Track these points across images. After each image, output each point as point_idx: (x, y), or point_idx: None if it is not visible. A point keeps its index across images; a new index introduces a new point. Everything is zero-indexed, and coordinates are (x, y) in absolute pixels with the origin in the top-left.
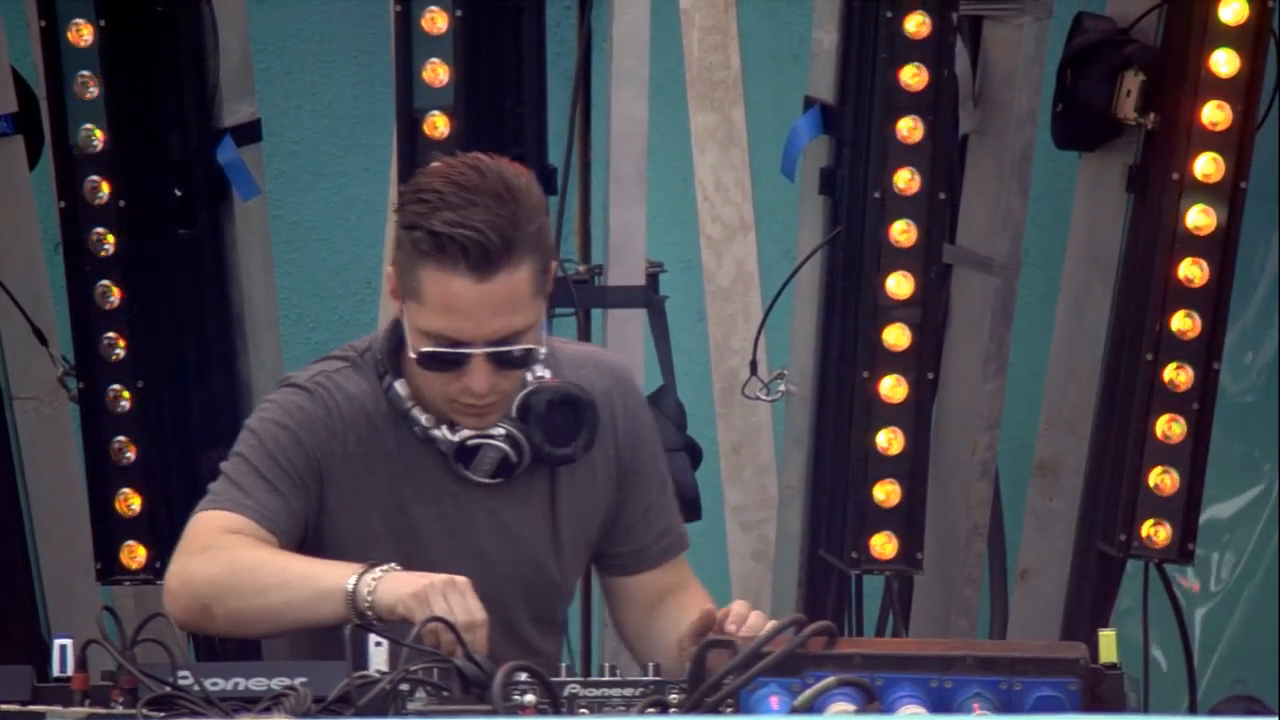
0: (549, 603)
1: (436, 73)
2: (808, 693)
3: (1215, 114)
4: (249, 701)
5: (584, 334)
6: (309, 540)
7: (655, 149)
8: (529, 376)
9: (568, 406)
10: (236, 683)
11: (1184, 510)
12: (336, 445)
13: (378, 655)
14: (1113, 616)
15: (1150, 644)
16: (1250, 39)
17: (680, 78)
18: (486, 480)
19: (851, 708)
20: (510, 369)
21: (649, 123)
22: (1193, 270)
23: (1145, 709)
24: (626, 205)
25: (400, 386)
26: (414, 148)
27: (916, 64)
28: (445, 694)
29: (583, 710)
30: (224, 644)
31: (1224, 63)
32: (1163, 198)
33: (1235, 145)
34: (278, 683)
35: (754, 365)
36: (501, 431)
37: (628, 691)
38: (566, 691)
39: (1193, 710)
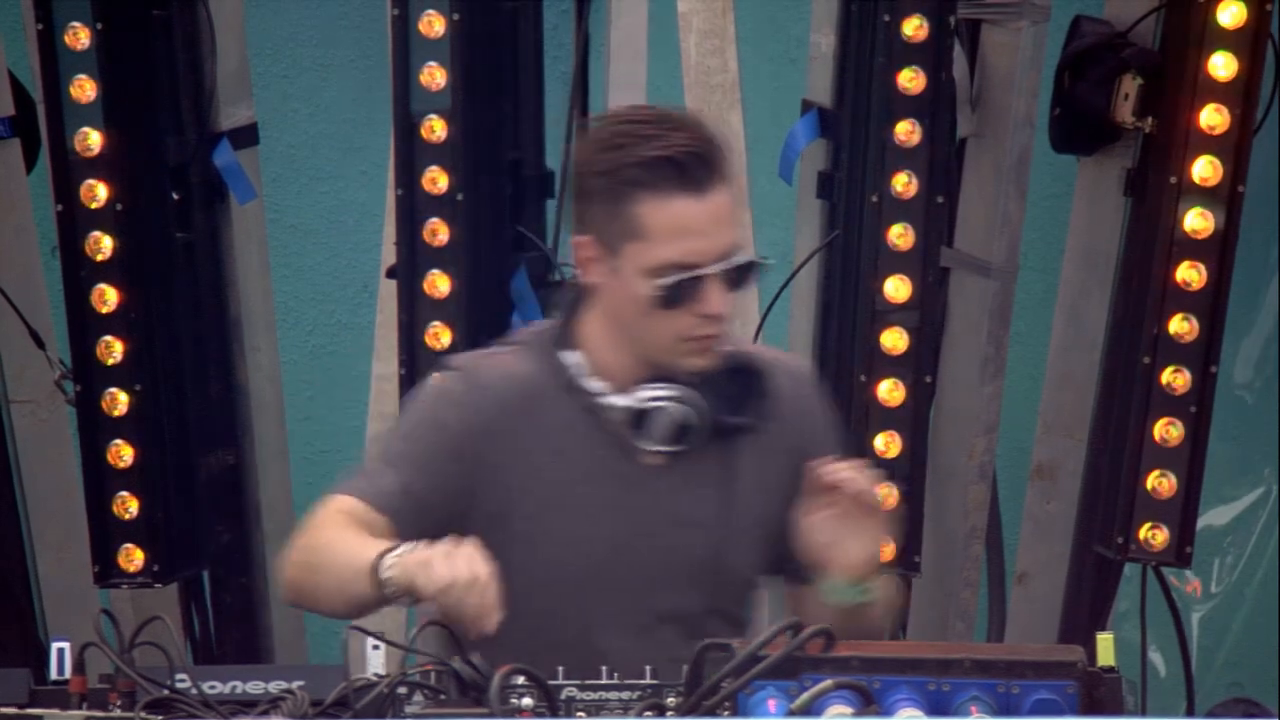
0: (724, 591)
1: (434, 76)
2: (805, 696)
3: (1213, 117)
4: (247, 705)
5: None
6: (467, 520)
7: None
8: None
9: (743, 375)
10: (234, 686)
11: (1181, 513)
12: (482, 422)
13: (375, 658)
14: (1110, 619)
15: (1148, 647)
16: (1248, 42)
17: (678, 81)
18: (663, 449)
19: (849, 710)
20: (738, 287)
21: None
22: (1190, 274)
23: (1143, 712)
24: None
25: (573, 357)
26: (411, 151)
27: (914, 67)
28: (443, 697)
29: (580, 713)
30: (223, 647)
31: (1222, 66)
32: (1160, 201)
33: (1233, 149)
34: (275, 686)
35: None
36: (671, 392)
37: (625, 694)
38: (564, 694)
39: (1190, 713)
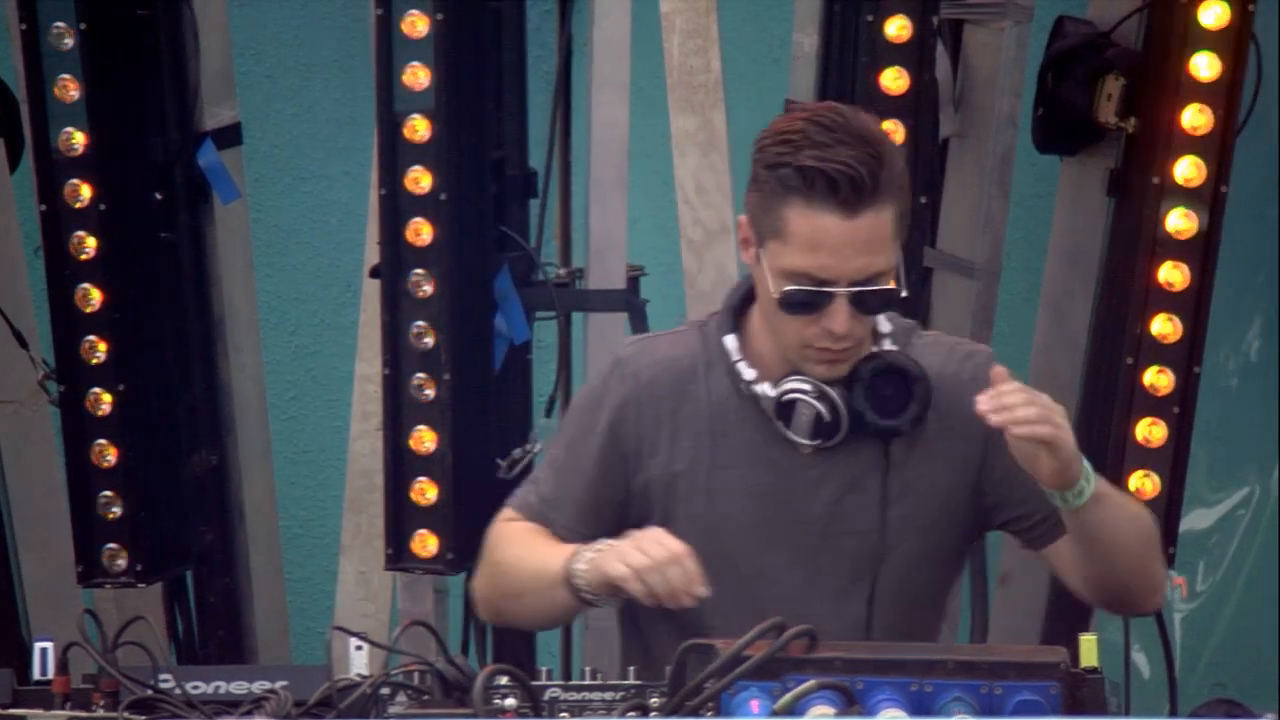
0: (887, 585)
1: (417, 76)
2: (788, 696)
3: (1196, 118)
4: (230, 705)
5: (564, 337)
6: (634, 508)
7: (636, 152)
8: (874, 347)
9: (896, 377)
10: (218, 686)
11: (1165, 514)
12: (633, 412)
13: (358, 658)
14: (1093, 620)
15: (1131, 648)
16: (1231, 42)
17: (661, 81)
18: (807, 442)
19: (832, 711)
20: (870, 311)
21: (630, 126)
22: (1173, 274)
23: (1126, 713)
24: (607, 209)
25: (730, 341)
26: (394, 151)
27: (897, 68)
28: (426, 697)
29: (563, 714)
30: (206, 647)
31: (1205, 66)
32: (1143, 201)
33: (1216, 149)
34: (259, 686)
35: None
36: (810, 387)
37: (608, 695)
38: (547, 695)
39: (1173, 714)
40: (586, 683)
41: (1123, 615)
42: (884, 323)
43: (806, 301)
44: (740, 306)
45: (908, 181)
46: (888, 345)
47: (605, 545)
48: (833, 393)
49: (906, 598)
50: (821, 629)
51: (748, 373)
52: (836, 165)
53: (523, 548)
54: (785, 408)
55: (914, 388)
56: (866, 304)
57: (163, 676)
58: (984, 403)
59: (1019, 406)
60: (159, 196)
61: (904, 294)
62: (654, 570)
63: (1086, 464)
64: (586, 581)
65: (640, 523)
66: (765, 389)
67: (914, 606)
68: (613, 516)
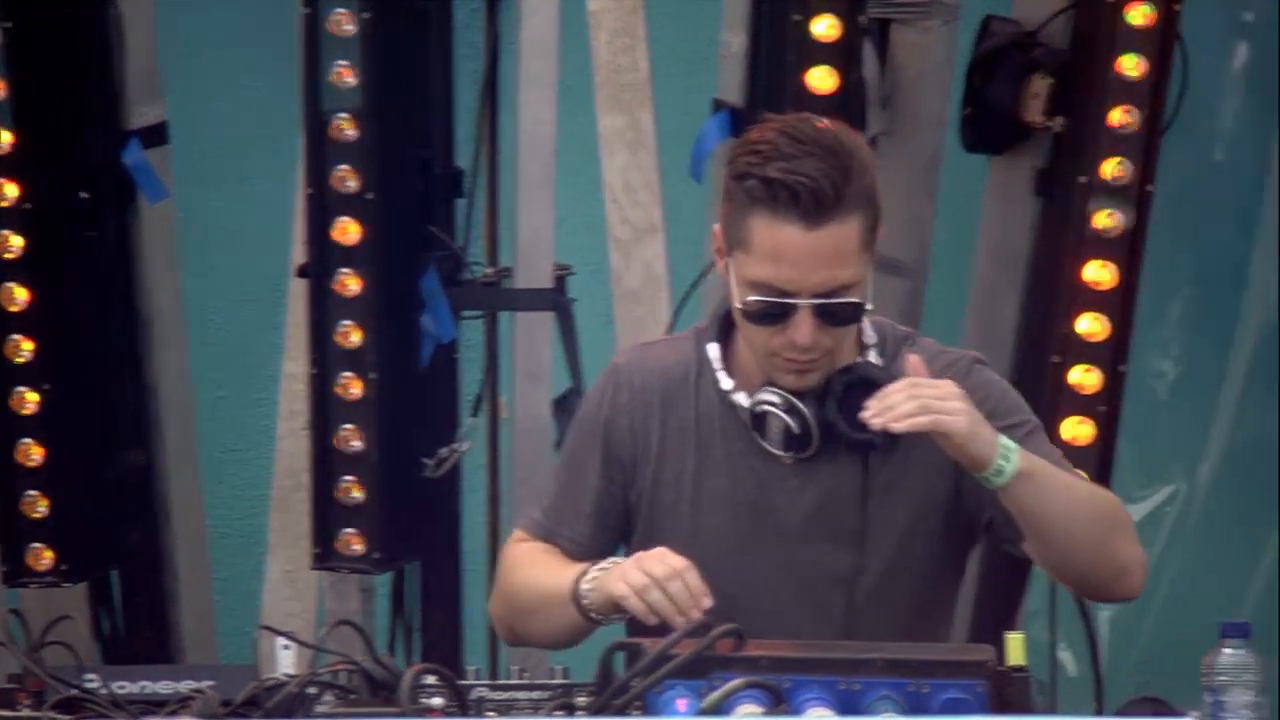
0: (867, 591)
1: (344, 76)
2: (715, 695)
3: (1122, 117)
4: (156, 704)
5: (491, 336)
6: (639, 512)
7: (563, 151)
8: (858, 360)
9: (869, 390)
10: (144, 685)
11: None
12: (626, 420)
13: (285, 658)
14: (1020, 619)
15: (1058, 646)
16: (1157, 42)
17: (588, 80)
18: (780, 453)
19: (758, 710)
20: (834, 324)
21: (557, 125)
22: (1100, 273)
23: (1052, 711)
24: (534, 208)
25: (713, 349)
26: (322, 150)
27: (825, 67)
28: (353, 696)
29: (490, 713)
30: (132, 646)
31: (1131, 66)
32: (1070, 200)
33: (1142, 148)
34: (185, 685)
35: None
36: (780, 400)
37: (535, 694)
38: (474, 694)
39: (1099, 712)
40: (513, 682)
41: (1099, 600)
42: (870, 333)
43: (769, 313)
44: (728, 315)
45: (879, 195)
46: (872, 356)
47: (610, 563)
48: (802, 406)
49: (889, 607)
50: (805, 639)
51: (726, 382)
52: (800, 177)
53: (532, 569)
54: (759, 419)
55: None
56: (830, 316)
57: (88, 676)
58: (867, 411)
59: (899, 403)
60: (85, 196)
61: (869, 306)
62: (654, 588)
63: (1007, 443)
64: (591, 601)
65: (652, 525)
66: (741, 399)
67: (899, 616)
68: (620, 525)
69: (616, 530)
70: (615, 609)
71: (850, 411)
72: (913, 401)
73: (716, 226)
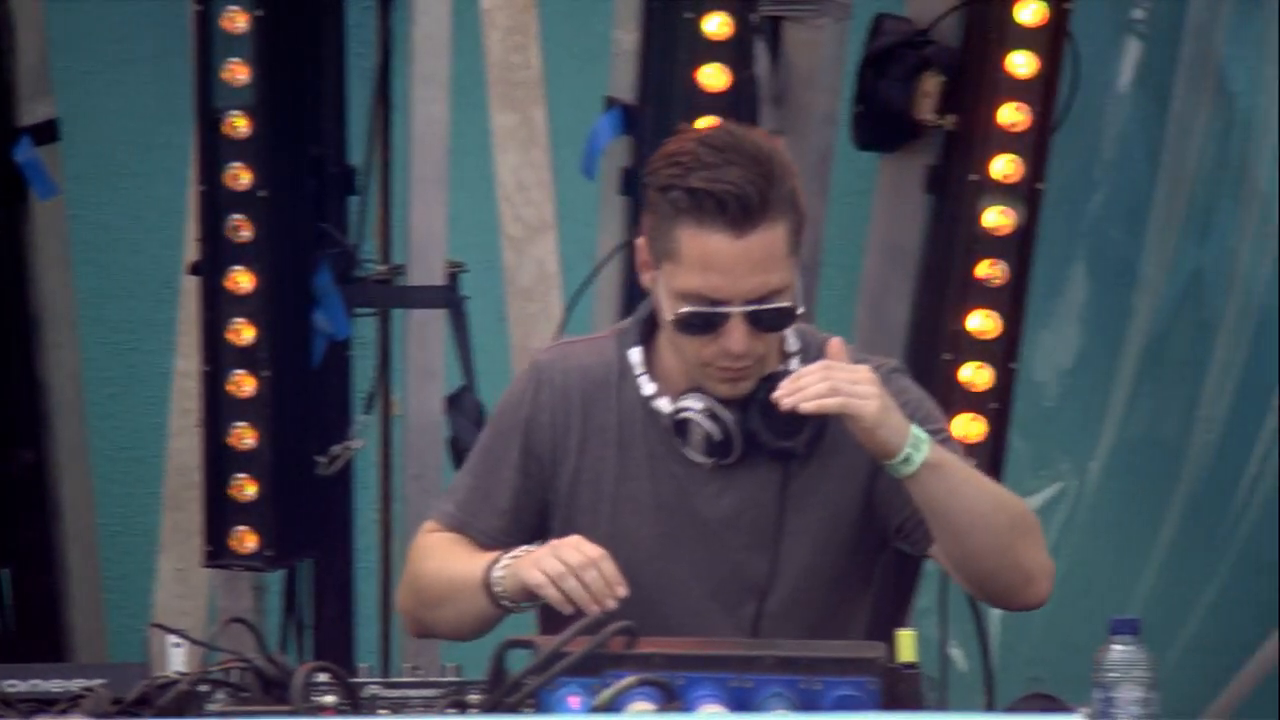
0: (781, 596)
1: (236, 72)
2: (607, 692)
3: (1013, 115)
4: (47, 703)
5: (384, 334)
6: (556, 511)
7: (456, 149)
8: (780, 367)
9: None
10: (35, 684)
11: None
12: (547, 418)
13: (177, 656)
14: (911, 616)
15: (949, 643)
16: (1048, 40)
17: (481, 78)
18: (702, 459)
19: (651, 707)
20: (767, 330)
21: (450, 123)
22: (991, 270)
23: (943, 708)
24: (427, 205)
25: (634, 354)
26: (214, 147)
27: (717, 64)
28: (245, 695)
29: (383, 711)
30: (24, 645)
31: (1022, 64)
32: (961, 198)
33: (1033, 146)
34: (76, 684)
35: None
36: (702, 406)
37: (428, 692)
38: (367, 692)
39: (990, 708)
40: (406, 680)
41: (1007, 608)
42: (792, 340)
43: (702, 323)
44: (651, 318)
45: (802, 199)
46: (794, 364)
47: (522, 551)
48: (725, 413)
49: (801, 612)
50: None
51: (648, 387)
52: (724, 186)
53: (442, 559)
54: (681, 425)
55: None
56: (763, 322)
57: None
58: (778, 392)
59: (811, 384)
60: None
61: (800, 310)
62: (569, 576)
63: (919, 433)
64: (504, 588)
65: (557, 523)
66: (663, 405)
67: (811, 621)
68: (534, 522)
69: (530, 527)
70: (528, 597)
71: (772, 420)
72: (824, 383)
73: (640, 240)
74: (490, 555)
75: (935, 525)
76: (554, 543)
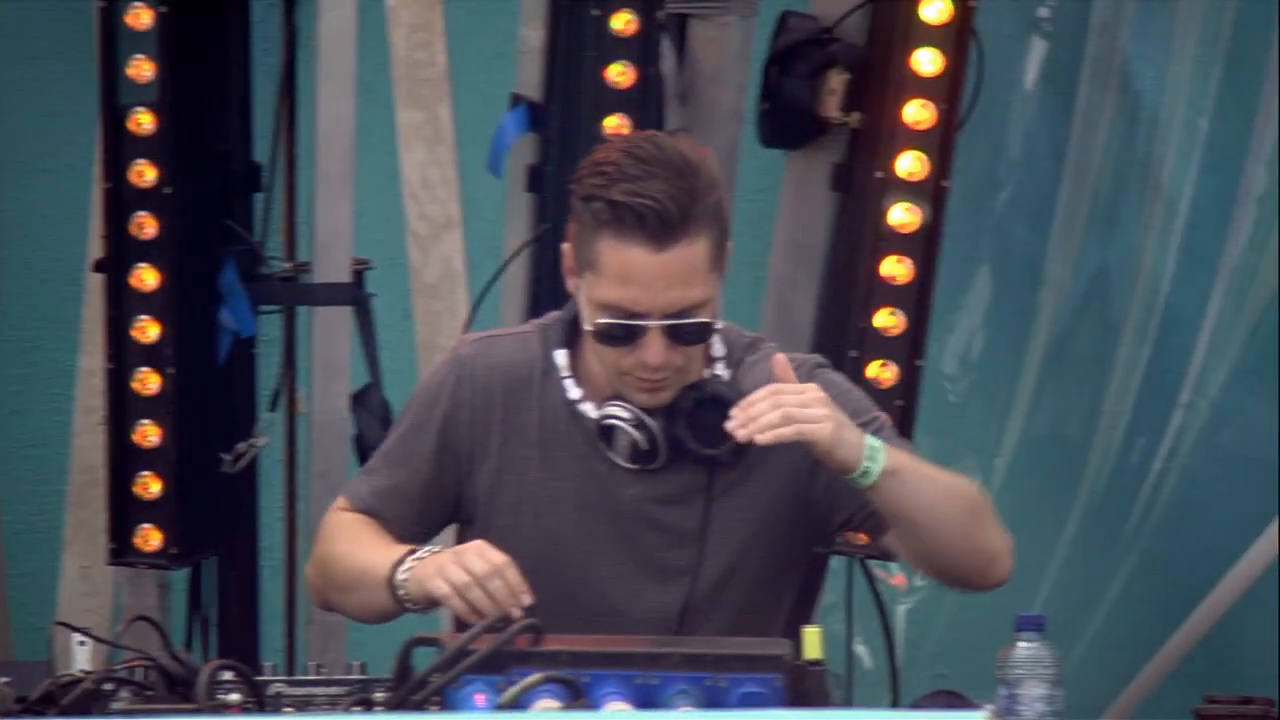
0: (704, 602)
1: (141, 69)
2: (513, 689)
3: (918, 113)
4: None
5: (289, 331)
6: (475, 507)
7: (362, 146)
8: (706, 373)
9: (717, 406)
10: None
11: None
12: (467, 415)
13: (81, 654)
14: (817, 613)
15: (854, 640)
16: (953, 38)
17: (387, 75)
18: (626, 465)
19: (557, 705)
20: (685, 343)
21: (355, 120)
22: (896, 268)
23: (849, 704)
24: (333, 202)
25: (560, 356)
26: (119, 144)
27: (623, 62)
28: (149, 693)
29: (288, 709)
30: None
31: (927, 61)
32: (867, 196)
33: (938, 144)
34: None
35: None
36: (629, 415)
37: (333, 690)
38: (271, 690)
39: (895, 705)
40: (311, 677)
41: (971, 589)
42: (718, 345)
43: (619, 334)
44: (576, 319)
45: (727, 212)
46: (719, 369)
47: (426, 552)
48: (651, 422)
49: (726, 609)
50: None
51: (574, 391)
52: (644, 200)
53: (351, 543)
54: (607, 431)
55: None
56: (680, 336)
57: None
58: (732, 423)
59: (763, 413)
60: None
61: (719, 325)
62: (474, 586)
63: (873, 442)
64: (407, 592)
65: (468, 523)
66: (588, 409)
67: (736, 618)
68: (443, 515)
69: (440, 520)
70: (432, 603)
71: (698, 428)
72: (776, 411)
73: (566, 246)
74: (396, 552)
75: (897, 524)
76: (457, 549)
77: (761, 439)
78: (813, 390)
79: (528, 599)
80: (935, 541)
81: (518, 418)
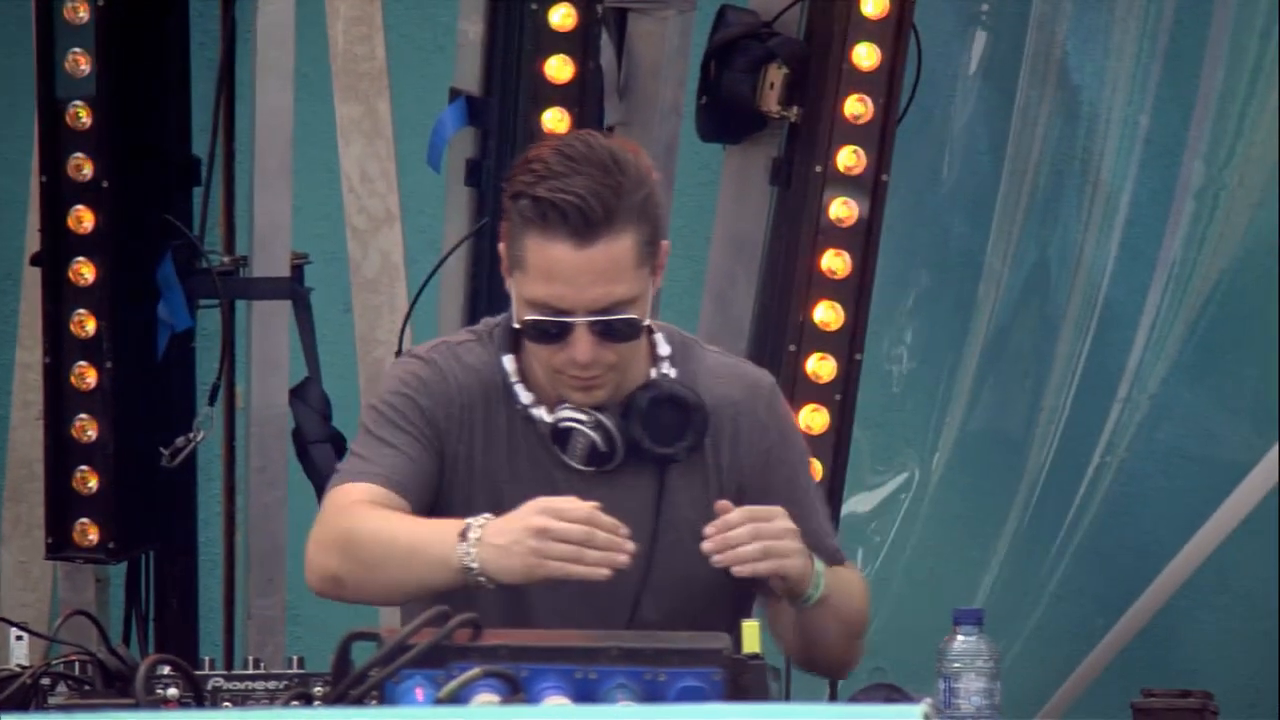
0: (654, 606)
1: (78, 63)
2: (452, 684)
3: (857, 107)
4: None
5: (228, 325)
6: (452, 510)
7: (300, 140)
8: (653, 373)
9: (673, 406)
10: None
11: (827, 500)
12: (453, 411)
13: (19, 648)
14: (755, 607)
15: None
16: (891, 32)
17: (325, 69)
18: (582, 467)
19: (496, 699)
20: (613, 340)
21: (294, 114)
22: (835, 262)
23: (787, 698)
24: (271, 196)
25: (508, 362)
26: (56, 138)
27: (562, 56)
28: (87, 687)
29: (226, 703)
30: None
31: (865, 56)
32: (806, 190)
33: (877, 138)
34: None
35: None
36: (586, 417)
37: (272, 684)
38: (210, 684)
39: (833, 699)
40: (249, 672)
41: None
42: (663, 344)
43: (545, 331)
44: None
45: (659, 210)
46: (666, 368)
47: (479, 530)
48: (608, 421)
49: (674, 616)
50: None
51: (525, 396)
52: (567, 196)
53: (383, 519)
54: (563, 434)
55: (691, 416)
56: (607, 333)
57: None
58: (709, 544)
59: (742, 544)
60: None
61: (646, 322)
62: (583, 552)
63: (819, 566)
64: (485, 573)
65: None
66: (541, 414)
67: (684, 626)
68: (432, 500)
69: (433, 496)
70: (526, 580)
71: (654, 427)
72: (756, 544)
73: (501, 245)
74: (450, 531)
75: (801, 635)
76: (536, 526)
77: (740, 571)
78: (782, 520)
79: (625, 529)
80: (825, 652)
81: (492, 422)
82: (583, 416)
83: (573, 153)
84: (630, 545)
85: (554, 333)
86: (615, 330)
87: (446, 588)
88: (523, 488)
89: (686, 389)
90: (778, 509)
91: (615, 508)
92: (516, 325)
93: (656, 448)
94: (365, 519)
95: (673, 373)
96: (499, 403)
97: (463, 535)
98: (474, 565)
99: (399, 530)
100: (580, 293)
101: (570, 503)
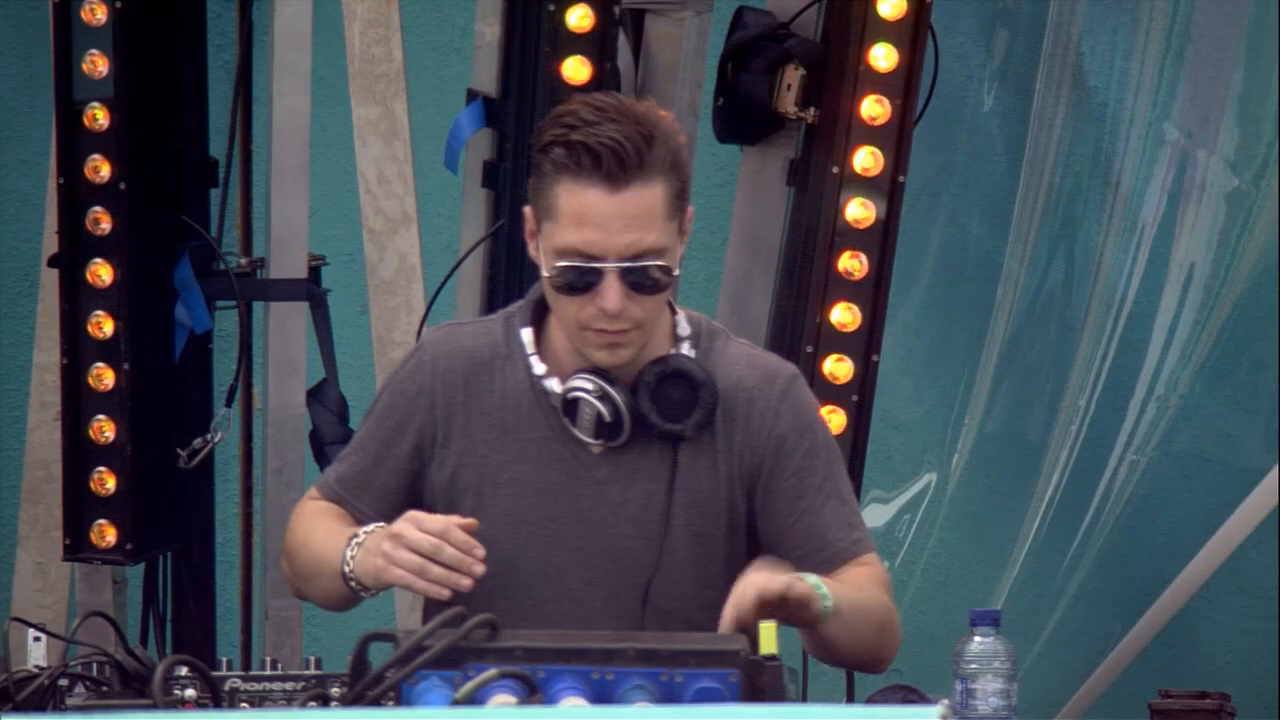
0: (663, 587)
1: (96, 64)
2: (469, 685)
3: (874, 108)
4: None
5: (245, 327)
6: (437, 493)
7: (317, 142)
8: (671, 350)
9: (682, 381)
10: None
11: None
12: (427, 400)
13: (37, 650)
14: None
15: None
16: (908, 33)
17: (342, 70)
18: (591, 441)
19: (513, 700)
20: (643, 291)
21: (311, 115)
22: (852, 263)
23: (804, 700)
24: (288, 198)
25: (526, 334)
26: (74, 139)
27: (579, 57)
28: (105, 689)
29: (244, 705)
30: None
31: (882, 57)
32: (822, 191)
33: (894, 139)
34: None
35: None
36: (593, 387)
37: (289, 685)
38: (227, 685)
39: (850, 700)
40: (266, 673)
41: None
42: (684, 325)
43: (576, 279)
44: (542, 300)
45: (687, 167)
46: (685, 348)
47: (364, 536)
48: (615, 394)
49: (683, 604)
50: (599, 628)
51: (538, 367)
52: (601, 139)
53: (312, 532)
54: (571, 405)
55: (699, 393)
56: (638, 282)
57: None
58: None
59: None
60: None
61: (676, 272)
62: (428, 565)
63: (824, 589)
64: (359, 582)
65: (432, 510)
66: (554, 384)
67: (693, 614)
68: (409, 503)
69: (405, 507)
70: (384, 586)
71: (663, 402)
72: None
73: (528, 208)
74: (344, 539)
75: (829, 645)
76: (392, 530)
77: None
78: (753, 587)
79: (480, 552)
80: (846, 657)
81: (479, 402)
82: (590, 386)
83: (601, 104)
84: (479, 569)
85: (584, 282)
86: (645, 279)
87: (348, 597)
88: (522, 468)
89: (696, 365)
90: (750, 585)
91: (627, 486)
92: (546, 274)
93: (664, 423)
94: (297, 531)
95: (691, 354)
96: (492, 381)
97: (348, 542)
98: (348, 569)
99: (317, 541)
100: (611, 238)
101: (433, 517)
